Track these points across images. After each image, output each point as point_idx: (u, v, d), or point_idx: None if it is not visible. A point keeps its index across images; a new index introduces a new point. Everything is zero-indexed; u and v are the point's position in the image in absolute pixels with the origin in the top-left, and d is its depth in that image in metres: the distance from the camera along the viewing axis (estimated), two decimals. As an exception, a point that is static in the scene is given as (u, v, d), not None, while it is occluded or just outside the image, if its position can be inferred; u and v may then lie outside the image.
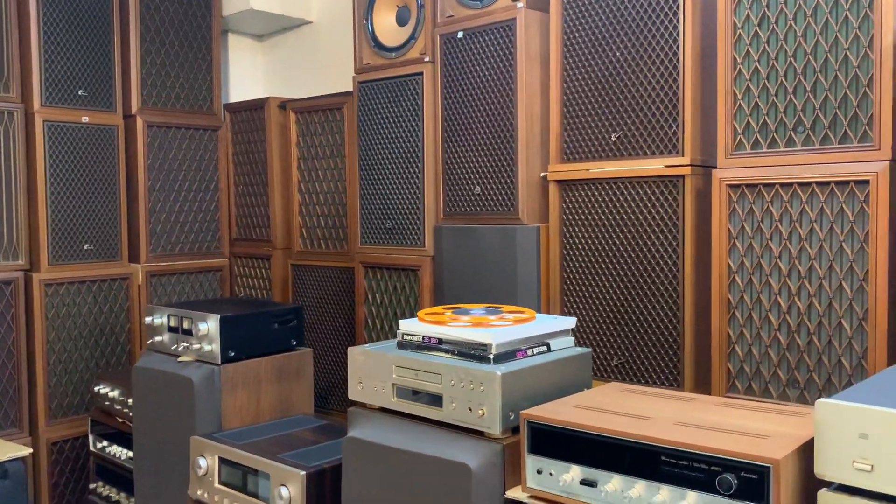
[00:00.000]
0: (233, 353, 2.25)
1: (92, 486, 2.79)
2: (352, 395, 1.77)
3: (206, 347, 2.25)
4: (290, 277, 3.16)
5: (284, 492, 1.84)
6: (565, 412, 1.46)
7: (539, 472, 1.45)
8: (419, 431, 1.62)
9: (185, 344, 2.32)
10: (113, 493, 2.68)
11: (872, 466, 1.11)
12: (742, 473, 1.18)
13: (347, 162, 2.91)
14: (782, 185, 1.88)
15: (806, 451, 1.23)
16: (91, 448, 2.80)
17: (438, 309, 1.84)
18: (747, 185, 1.93)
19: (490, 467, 1.49)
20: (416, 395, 1.65)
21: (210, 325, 2.25)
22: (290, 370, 2.39)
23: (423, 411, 1.62)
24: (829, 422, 1.15)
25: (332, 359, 2.98)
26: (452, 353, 1.63)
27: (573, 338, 1.76)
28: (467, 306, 1.87)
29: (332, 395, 2.95)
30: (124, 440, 2.63)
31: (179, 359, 2.31)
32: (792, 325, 1.89)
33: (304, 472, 1.83)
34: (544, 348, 1.67)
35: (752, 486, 1.17)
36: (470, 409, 1.53)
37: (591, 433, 1.37)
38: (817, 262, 1.85)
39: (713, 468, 1.21)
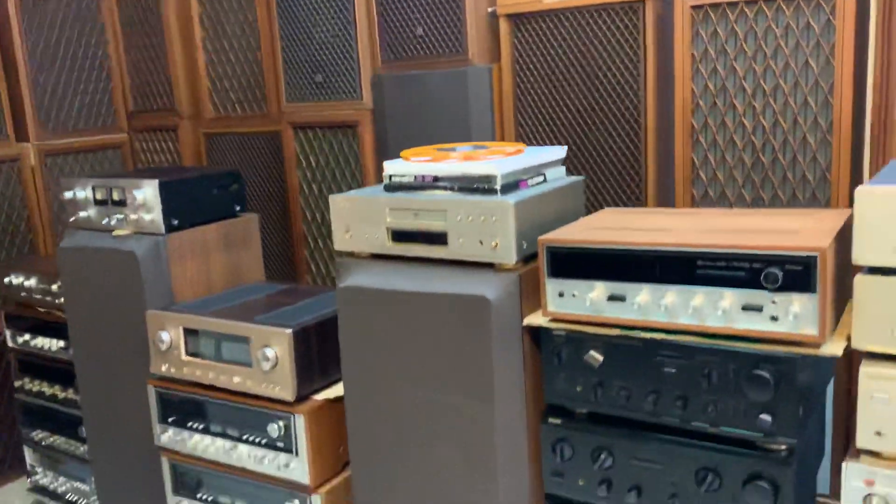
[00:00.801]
0: (176, 222, 2.07)
1: (17, 383, 2.57)
2: (338, 245, 1.67)
3: (146, 217, 2.06)
4: (204, 149, 2.92)
5: (270, 352, 1.74)
6: (582, 233, 1.43)
7: (561, 294, 1.43)
8: (423, 272, 1.55)
9: (118, 216, 2.11)
10: (45, 387, 2.48)
11: (912, 244, 1.15)
12: (787, 266, 1.19)
13: (259, 9, 2.64)
14: (747, 2, 1.87)
15: (838, 241, 1.27)
16: (10, 345, 2.56)
17: (422, 149, 1.74)
18: (710, 6, 1.91)
19: (507, 297, 1.45)
20: (409, 238, 1.57)
21: (147, 193, 2.04)
22: (237, 237, 2.23)
23: (427, 251, 1.54)
24: (869, 208, 1.17)
25: (266, 230, 2.81)
26: (453, 188, 1.55)
27: (564, 167, 1.72)
28: (450, 145, 1.78)
29: (273, 264, 2.82)
30: (51, 330, 2.42)
31: (115, 233, 2.11)
32: (757, 145, 1.93)
33: (290, 331, 1.74)
34: (541, 178, 1.62)
35: (798, 277, 1.19)
36: (481, 243, 1.48)
37: (618, 248, 1.35)
38: (783, 79, 1.87)
39: (755, 265, 1.22)
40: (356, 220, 1.63)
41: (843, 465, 1.26)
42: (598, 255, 1.37)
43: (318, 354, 1.80)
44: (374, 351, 1.60)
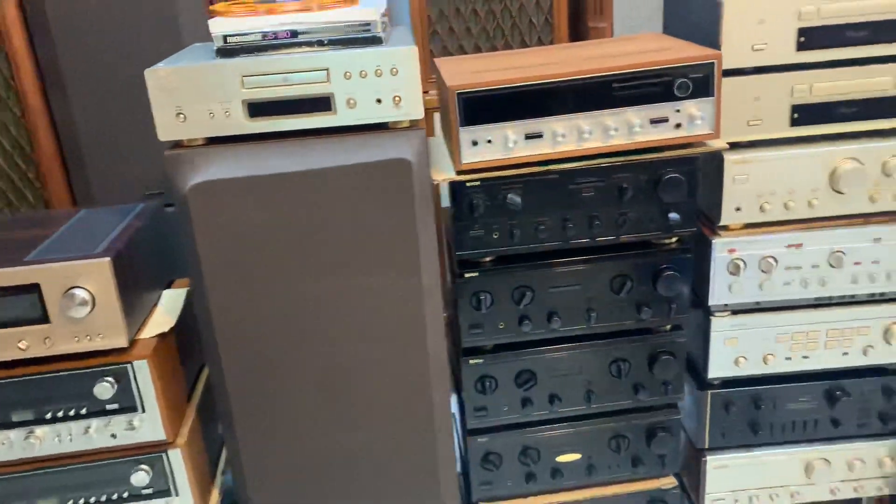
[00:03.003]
0: None
1: None
2: (165, 134, 1.27)
3: None
4: None
5: (81, 294, 1.27)
6: (490, 76, 1.35)
7: (475, 143, 1.34)
8: (302, 148, 1.29)
9: None
10: None
11: (767, 44, 1.38)
12: (691, 75, 1.32)
13: None
14: None
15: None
16: None
17: (237, 2, 1.38)
18: None
19: (421, 157, 1.30)
20: (276, 110, 1.28)
21: None
22: None
23: (304, 122, 1.28)
24: (734, 14, 1.35)
25: None
26: (322, 42, 1.29)
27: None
28: None
29: None
30: None
31: None
32: None
33: (107, 259, 1.28)
34: (385, 27, 1.45)
35: (700, 83, 1.33)
36: (379, 101, 1.28)
37: (537, 84, 1.31)
38: None
39: (664, 79, 1.32)
40: (191, 97, 1.24)
41: (712, 242, 1.49)
42: (515, 95, 1.31)
43: (140, 281, 1.37)
44: (253, 256, 1.28)
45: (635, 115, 1.33)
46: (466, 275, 1.42)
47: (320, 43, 1.28)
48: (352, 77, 1.25)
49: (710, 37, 1.39)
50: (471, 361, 1.47)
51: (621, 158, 1.36)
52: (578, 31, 2.06)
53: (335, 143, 1.28)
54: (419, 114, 1.29)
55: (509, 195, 1.36)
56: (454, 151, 1.34)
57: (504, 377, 1.48)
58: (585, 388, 1.52)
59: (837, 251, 1.50)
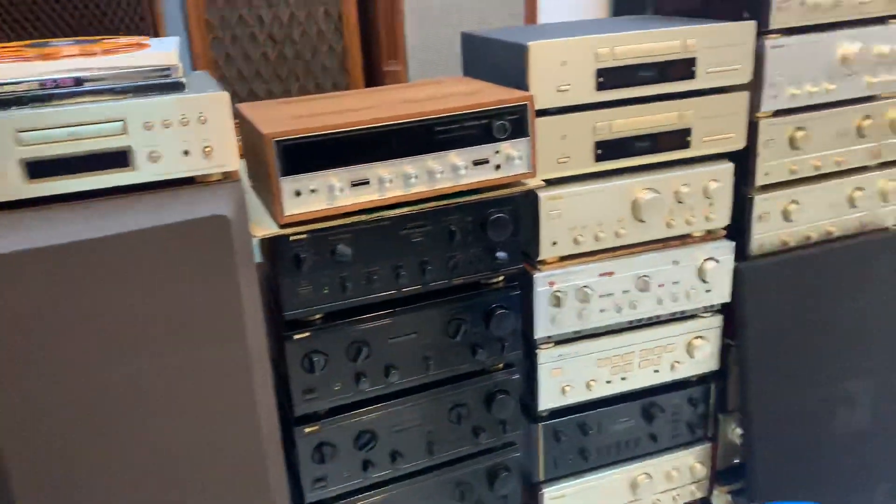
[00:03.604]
0: None
1: None
2: (-82, 205, 1.03)
3: None
4: None
5: None
6: (308, 122, 1.26)
7: (297, 194, 1.24)
8: (97, 210, 1.11)
9: None
10: None
11: (570, 85, 1.44)
12: (508, 117, 1.34)
13: None
14: None
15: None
16: None
17: (8, 46, 1.17)
18: None
19: (240, 213, 1.18)
20: (62, 168, 1.10)
21: None
22: None
23: (104, 180, 1.11)
24: (540, 59, 1.39)
25: None
26: (113, 91, 1.13)
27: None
28: (43, 41, 1.23)
29: None
30: None
31: None
32: (278, 39, 1.92)
33: None
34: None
35: (516, 125, 1.35)
36: (187, 153, 1.15)
37: (361, 129, 1.25)
38: None
39: (482, 121, 1.32)
40: (-51, 158, 1.03)
41: (533, 276, 1.52)
42: (339, 141, 1.24)
43: None
44: (47, 344, 1.07)
45: (458, 158, 1.31)
46: (296, 336, 1.30)
47: (112, 91, 1.11)
48: (153, 127, 1.10)
49: (517, 79, 1.41)
50: (306, 430, 1.34)
51: (448, 201, 1.33)
52: (373, 75, 2.02)
53: (138, 203, 1.11)
54: (234, 164, 1.16)
55: (338, 246, 1.27)
56: (274, 203, 1.22)
57: (343, 442, 1.37)
58: (427, 440, 1.45)
59: (643, 276, 1.58)
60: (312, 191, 1.23)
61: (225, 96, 1.13)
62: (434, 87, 1.49)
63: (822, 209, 1.69)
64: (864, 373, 1.77)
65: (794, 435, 1.74)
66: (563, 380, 1.60)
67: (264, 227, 1.23)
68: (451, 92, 1.42)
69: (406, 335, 1.37)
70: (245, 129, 1.35)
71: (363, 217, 1.27)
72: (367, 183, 1.27)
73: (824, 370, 1.73)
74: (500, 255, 1.39)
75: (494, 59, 1.53)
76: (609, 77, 1.43)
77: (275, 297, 1.30)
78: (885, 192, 1.72)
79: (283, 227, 1.23)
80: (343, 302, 1.31)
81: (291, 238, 1.24)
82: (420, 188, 1.30)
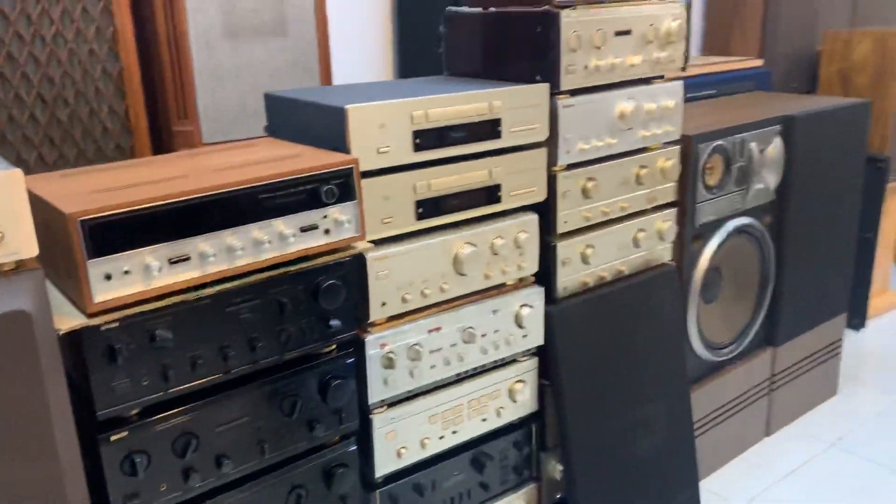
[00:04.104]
0: None
1: None
2: None
3: None
4: None
5: None
6: (116, 197, 1.13)
7: (108, 277, 1.10)
8: None
9: None
10: None
11: (390, 147, 1.43)
12: (333, 181, 1.30)
13: None
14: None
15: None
16: None
17: None
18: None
19: (42, 305, 1.03)
20: None
21: None
22: None
23: None
24: (359, 121, 1.38)
25: None
26: None
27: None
28: None
29: None
30: None
31: None
32: (48, 101, 1.73)
33: None
34: None
35: (343, 188, 1.31)
36: (-29, 240, 0.97)
37: (175, 202, 1.14)
38: (62, 25, 1.72)
39: (308, 186, 1.28)
40: None
41: (364, 340, 1.48)
42: (154, 216, 1.12)
43: None
44: None
45: (285, 225, 1.24)
46: (113, 438, 1.13)
47: None
48: (-74, 214, 0.91)
49: (335, 141, 1.38)
50: (129, 544, 1.17)
51: (276, 271, 1.25)
52: (161, 137, 1.87)
53: None
54: (32, 251, 1.00)
55: (157, 331, 1.14)
56: (81, 290, 1.06)
57: (173, 548, 1.21)
58: (265, 530, 1.33)
59: (468, 328, 1.60)
60: (126, 272, 1.09)
61: (18, 174, 0.97)
62: (248, 152, 1.40)
63: (613, 250, 1.82)
64: (658, 396, 1.93)
65: (607, 463, 1.84)
66: (397, 442, 1.56)
67: (70, 318, 1.07)
68: (270, 156, 1.34)
69: (237, 420, 1.26)
70: (35, 207, 1.17)
71: (184, 297, 1.15)
72: (188, 259, 1.15)
73: (625, 398, 1.86)
74: (334, 322, 1.34)
75: (306, 121, 1.48)
76: (425, 138, 1.44)
77: (84, 393, 1.13)
78: (661, 232, 1.90)
79: (91, 315, 1.08)
80: (165, 393, 1.17)
81: (103, 328, 1.09)
82: (245, 260, 1.21)
